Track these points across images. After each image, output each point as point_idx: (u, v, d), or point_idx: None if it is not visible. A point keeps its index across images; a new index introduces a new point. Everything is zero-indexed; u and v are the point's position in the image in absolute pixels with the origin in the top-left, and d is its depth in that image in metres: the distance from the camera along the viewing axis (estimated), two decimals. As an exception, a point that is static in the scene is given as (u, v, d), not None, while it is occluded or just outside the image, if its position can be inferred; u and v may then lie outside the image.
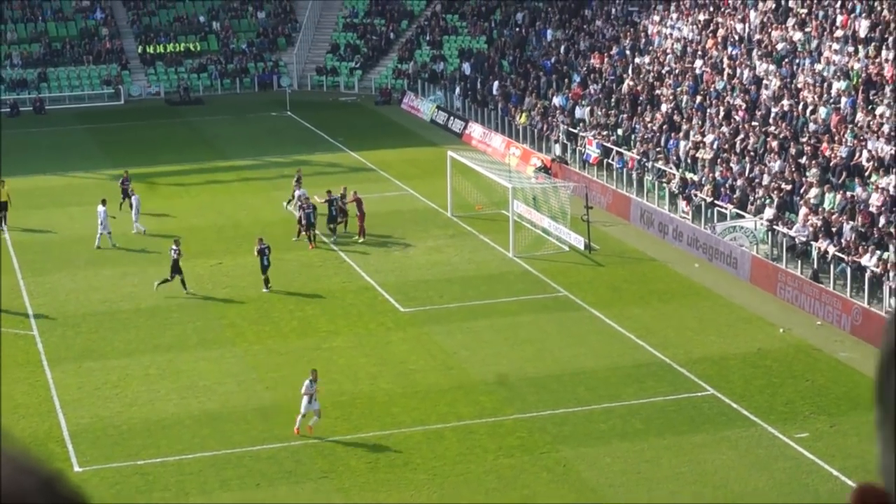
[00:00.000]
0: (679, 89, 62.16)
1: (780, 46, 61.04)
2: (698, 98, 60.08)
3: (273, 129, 75.33)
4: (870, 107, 52.40)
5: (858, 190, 47.00)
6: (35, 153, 69.19)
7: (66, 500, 1.97)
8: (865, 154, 49.06)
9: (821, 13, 61.61)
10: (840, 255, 43.74)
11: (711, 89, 60.56)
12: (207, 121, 78.05)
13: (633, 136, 59.98)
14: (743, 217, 49.07)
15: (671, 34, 69.16)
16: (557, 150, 62.94)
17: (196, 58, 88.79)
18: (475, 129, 70.71)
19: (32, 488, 1.94)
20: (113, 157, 67.85)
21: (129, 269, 49.19)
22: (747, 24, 64.85)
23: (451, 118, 74.32)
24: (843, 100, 53.70)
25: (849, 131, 51.01)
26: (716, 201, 50.64)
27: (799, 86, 56.91)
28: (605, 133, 61.37)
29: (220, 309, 45.16)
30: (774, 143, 52.29)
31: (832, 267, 43.63)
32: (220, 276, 48.46)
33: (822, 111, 53.58)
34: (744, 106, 57.14)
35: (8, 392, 37.56)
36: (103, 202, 51.47)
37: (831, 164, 49.47)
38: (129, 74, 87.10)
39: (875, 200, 45.83)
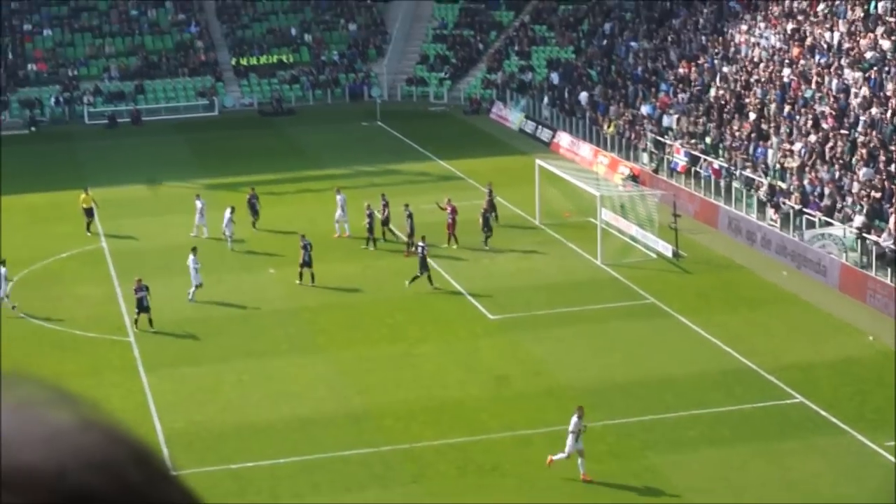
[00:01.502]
0: (767, 97, 62.07)
1: (868, 55, 60.77)
2: (786, 107, 59.96)
3: (364, 138, 76.05)
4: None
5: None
6: (132, 163, 70.39)
7: (159, 474, 1.96)
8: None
9: (911, 21, 61.29)
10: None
11: (799, 97, 60.42)
12: (300, 131, 78.94)
13: (720, 145, 59.97)
14: (832, 224, 48.98)
15: (759, 43, 69.03)
16: (645, 158, 63.06)
17: (288, 69, 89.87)
18: (563, 138, 71.00)
19: (126, 459, 1.93)
20: (207, 167, 68.92)
21: (223, 276, 49.97)
22: (835, 32, 64.61)
23: (539, 127, 74.67)
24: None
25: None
26: (804, 209, 50.58)
27: (888, 93, 56.66)
28: (692, 141, 61.41)
29: (312, 315, 45.81)
30: (863, 151, 52.13)
31: (922, 275, 43.49)
32: (313, 283, 49.03)
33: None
34: (832, 114, 56.98)
35: (105, 396, 38.32)
36: (232, 209, 53.28)
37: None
38: (224, 86, 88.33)
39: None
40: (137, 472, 1.92)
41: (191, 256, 47.41)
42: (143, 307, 44.24)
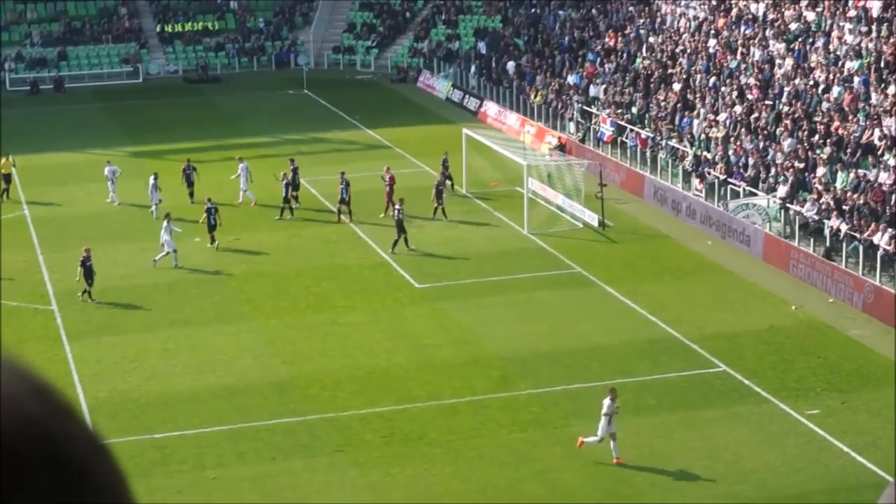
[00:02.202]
0: (692, 68, 62.38)
1: (792, 26, 61.20)
2: (711, 77, 60.29)
3: (290, 106, 75.72)
4: (882, 86, 52.59)
5: (871, 168, 47.22)
6: (54, 130, 69.70)
7: (58, 408, 2.00)
8: (878, 133, 49.28)
9: (835, -8, 61.77)
10: (852, 233, 44.00)
11: (724, 68, 60.76)
12: (225, 99, 78.46)
13: (646, 115, 60.23)
14: (756, 195, 49.34)
15: (685, 13, 69.33)
16: (572, 128, 63.21)
17: (214, 36, 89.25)
18: (490, 108, 71.03)
19: (25, 392, 1.98)
20: (131, 135, 68.39)
21: (147, 244, 49.57)
22: (760, 4, 65.00)
23: (467, 96, 74.64)
24: (856, 79, 53.88)
25: (861, 110, 51.23)
26: (729, 179, 50.92)
27: (812, 65, 57.10)
28: (619, 111, 61.63)
29: (237, 284, 45.63)
30: (787, 122, 52.53)
31: (845, 245, 43.90)
32: (238, 251, 48.86)
33: (835, 90, 53.78)
34: (757, 85, 57.35)
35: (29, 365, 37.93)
36: (155, 176, 52.75)
37: (843, 142, 49.70)
38: (148, 53, 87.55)
39: (887, 179, 46.06)
40: (36, 405, 1.97)
41: (164, 223, 47.15)
42: (91, 276, 43.81)
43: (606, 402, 31.92)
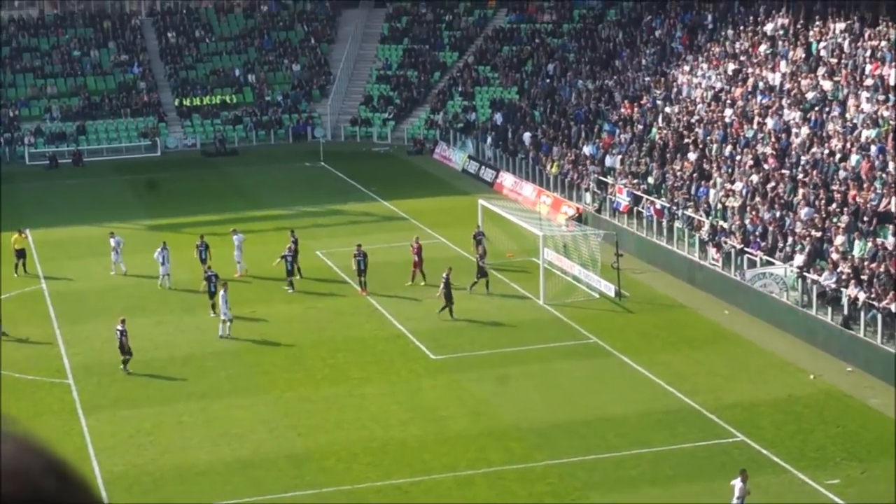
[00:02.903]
0: (709, 138, 62.44)
1: (809, 95, 61.28)
2: (728, 147, 60.33)
3: (307, 179, 75.97)
4: (899, 154, 52.54)
5: (890, 237, 47.08)
6: (73, 204, 69.96)
7: (72, 483, 2.04)
8: (895, 201, 49.15)
9: (850, 62, 61.90)
10: (871, 301, 43.78)
11: (741, 137, 60.80)
12: (242, 171, 78.73)
13: (663, 185, 60.22)
14: (773, 264, 49.20)
15: (701, 84, 69.51)
16: (588, 198, 63.23)
17: (231, 110, 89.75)
18: (506, 178, 71.14)
19: (39, 468, 2.02)
20: (149, 208, 68.60)
21: (164, 317, 49.69)
22: (777, 73, 65.16)
23: (483, 167, 74.80)
24: (873, 147, 53.86)
25: (878, 178, 51.17)
26: (745, 248, 50.80)
27: (828, 133, 57.11)
28: (635, 181, 61.66)
29: (253, 356, 45.55)
30: (804, 191, 52.46)
31: (863, 314, 43.68)
32: (254, 324, 48.85)
33: (853, 159, 53.75)
34: (773, 154, 57.35)
35: (43, 439, 37.85)
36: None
37: (860, 211, 49.58)
38: (166, 126, 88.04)
39: (905, 247, 45.90)
40: (50, 481, 2.03)
41: (221, 292, 47.50)
42: (124, 349, 43.85)
43: (738, 484, 31.22)
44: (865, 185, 51.22)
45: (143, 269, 55.37)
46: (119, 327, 44.15)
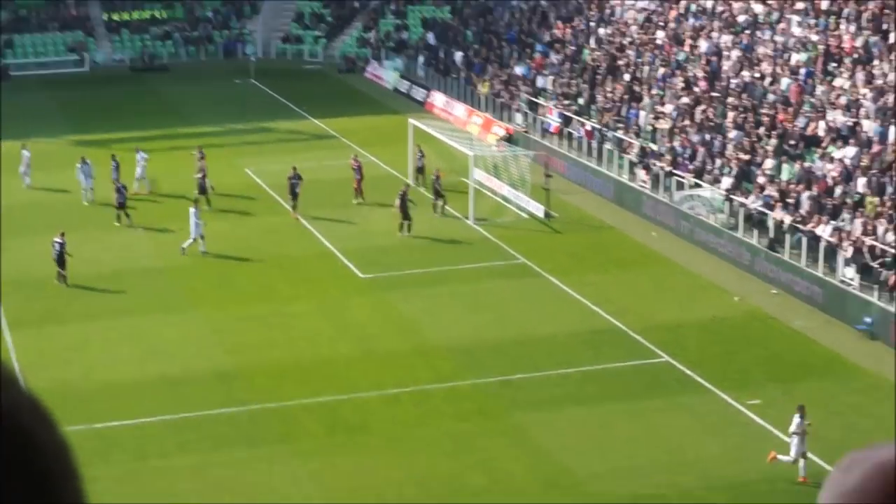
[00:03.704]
0: (640, 59, 62.54)
1: (740, 18, 61.45)
2: (659, 69, 60.44)
3: (237, 96, 75.41)
4: (828, 78, 52.89)
5: (817, 160, 47.46)
6: (-2, 119, 69.04)
7: (46, 420, 2.06)
8: (823, 125, 49.54)
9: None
10: (796, 224, 44.19)
11: (672, 60, 60.94)
12: (172, 88, 77.99)
13: (593, 106, 60.31)
14: (701, 186, 49.49)
15: (634, 5, 69.48)
16: (519, 119, 63.24)
17: (161, 25, 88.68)
18: (437, 98, 70.94)
19: (15, 403, 2.02)
20: (76, 124, 67.92)
21: (91, 233, 49.31)
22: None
23: (414, 87, 74.52)
24: (802, 71, 54.16)
25: (807, 102, 51.50)
26: (674, 170, 51.05)
27: (759, 57, 57.34)
28: (566, 102, 61.69)
29: (182, 274, 45.38)
30: (733, 114, 52.71)
31: (788, 237, 44.09)
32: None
33: (783, 82, 54.03)
34: (704, 77, 57.53)
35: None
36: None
37: (788, 134, 49.93)
38: (95, 41, 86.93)
39: (831, 171, 46.31)
40: (27, 417, 2.03)
41: (192, 209, 47.18)
42: (62, 261, 43.71)
43: (795, 419, 30.94)
44: (793, 109, 51.54)
45: (68, 185, 54.84)
46: (58, 240, 43.86)
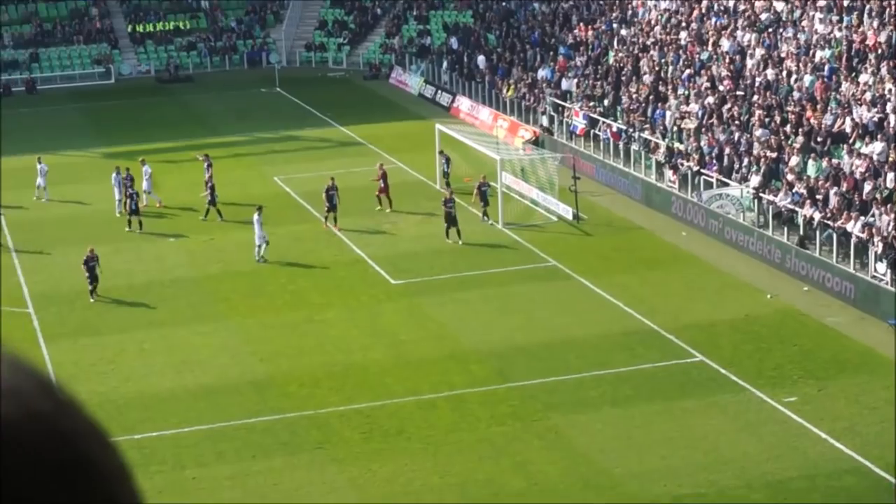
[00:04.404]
0: (664, 60, 62.54)
1: (763, 16, 61.42)
2: (683, 69, 60.43)
3: (263, 105, 75.68)
4: (853, 74, 52.83)
5: (844, 157, 47.43)
6: (27, 133, 69.41)
7: (65, 403, 2.04)
8: (849, 121, 49.50)
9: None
10: (826, 221, 44.18)
11: (696, 59, 60.93)
12: (197, 98, 78.32)
13: (619, 107, 60.35)
14: (728, 185, 49.50)
15: (656, 5, 69.48)
16: (545, 121, 63.30)
17: (185, 36, 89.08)
18: (463, 103, 71.06)
19: (32, 388, 2.00)
20: (104, 136, 68.27)
21: (122, 245, 49.61)
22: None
23: (439, 92, 74.67)
24: (826, 68, 54.10)
25: (833, 99, 51.45)
26: (702, 170, 51.07)
27: (782, 55, 57.31)
28: (591, 104, 61.73)
29: (214, 284, 45.59)
30: (759, 112, 52.70)
31: (818, 233, 44.09)
32: (213, 251, 48.90)
33: (807, 79, 53.99)
34: (728, 75, 57.52)
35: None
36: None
37: (815, 132, 49.89)
38: (120, 53, 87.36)
39: (859, 167, 46.26)
40: (44, 401, 1.98)
41: (255, 215, 47.28)
42: (94, 276, 43.77)
43: None
44: (819, 106, 51.50)
45: (99, 198, 55.13)
46: (89, 255, 43.93)
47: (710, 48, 61.41)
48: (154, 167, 56.01)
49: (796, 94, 53.36)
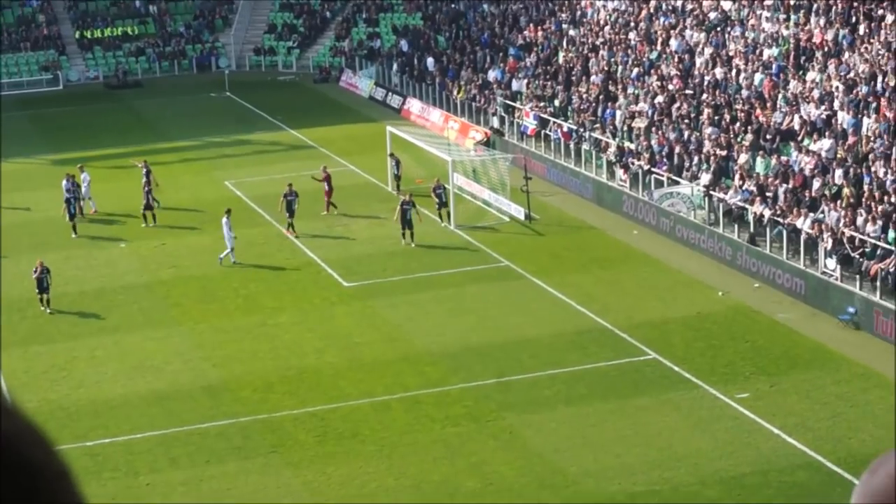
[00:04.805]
0: (613, 59, 62.74)
1: (711, 16, 61.72)
2: (635, 69, 60.63)
3: (213, 109, 75.43)
4: (801, 72, 53.15)
5: (793, 154, 47.70)
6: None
7: (4, 408, 2.06)
8: (797, 119, 49.79)
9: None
10: (776, 218, 44.42)
11: (645, 59, 61.16)
12: (147, 103, 77.96)
13: (569, 107, 60.49)
14: (679, 183, 49.70)
15: (605, 5, 69.70)
16: (495, 122, 63.39)
17: (134, 41, 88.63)
18: (413, 105, 71.06)
19: (25, 436, 2.05)
20: (53, 143, 67.86)
21: (72, 252, 49.33)
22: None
23: (390, 94, 74.63)
24: (774, 66, 54.41)
25: (781, 97, 51.75)
26: (652, 168, 51.25)
27: (731, 53, 57.61)
28: (541, 105, 61.86)
29: (165, 289, 45.39)
30: (709, 111, 52.94)
31: (768, 230, 44.32)
32: (164, 256, 48.69)
33: (756, 78, 54.28)
34: (678, 74, 57.77)
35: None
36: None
37: (764, 129, 50.17)
38: (68, 60, 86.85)
39: (808, 164, 46.54)
40: (37, 451, 2.04)
41: (224, 219, 47.05)
42: (42, 287, 43.32)
43: None
44: (768, 104, 51.80)
45: (49, 204, 54.79)
46: (38, 268, 43.42)
47: (658, 47, 61.65)
48: (104, 173, 55.70)
49: (745, 93, 53.64)
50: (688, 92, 55.86)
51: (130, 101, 78.89)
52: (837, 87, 50.41)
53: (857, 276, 40.31)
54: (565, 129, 58.13)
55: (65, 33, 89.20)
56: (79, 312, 43.41)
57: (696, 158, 50.46)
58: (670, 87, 57.16)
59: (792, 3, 58.57)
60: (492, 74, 68.28)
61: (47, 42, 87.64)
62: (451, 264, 46.47)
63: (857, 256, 40.75)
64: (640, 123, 55.25)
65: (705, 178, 48.77)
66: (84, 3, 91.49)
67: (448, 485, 30.93)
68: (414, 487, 30.90)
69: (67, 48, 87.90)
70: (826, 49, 53.87)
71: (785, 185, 45.68)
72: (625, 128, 55.97)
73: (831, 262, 41.32)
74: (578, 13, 71.02)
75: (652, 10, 65.71)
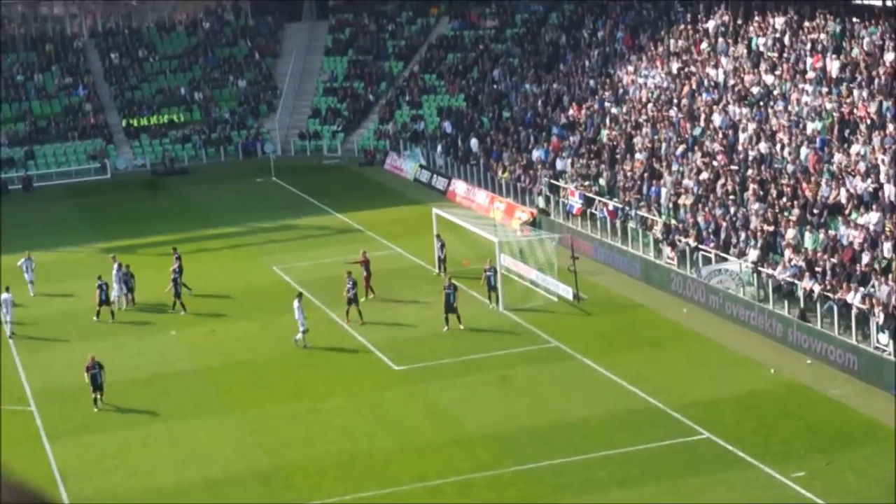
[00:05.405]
0: (657, 137, 62.88)
1: (753, 90, 61.84)
2: (679, 146, 60.71)
3: (259, 195, 75.92)
4: (845, 145, 53.11)
5: (841, 228, 47.55)
6: (25, 230, 69.55)
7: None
8: (844, 192, 49.69)
9: (791, 56, 62.51)
10: (826, 293, 44.22)
11: (688, 135, 61.25)
12: (193, 190, 78.59)
13: (614, 186, 60.58)
14: (727, 260, 49.59)
15: (646, 83, 69.95)
16: (541, 202, 63.52)
17: (179, 129, 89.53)
18: (459, 186, 71.34)
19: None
20: (102, 231, 68.41)
21: (123, 340, 49.58)
22: (720, 70, 65.74)
23: (435, 176, 74.98)
24: (819, 139, 54.39)
25: (826, 170, 51.69)
26: (700, 245, 51.18)
27: (774, 128, 57.63)
28: (586, 184, 61.97)
29: (216, 376, 45.51)
30: (754, 186, 52.89)
31: (819, 306, 44.11)
32: (214, 343, 48.86)
33: (801, 152, 54.25)
34: (722, 150, 57.81)
35: (8, 469, 37.67)
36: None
37: (810, 203, 50.05)
38: (115, 148, 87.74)
39: (856, 238, 46.37)
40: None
41: (295, 302, 47.34)
42: (96, 385, 43.20)
43: None
44: (813, 178, 51.73)
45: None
46: (90, 363, 43.33)
47: (702, 123, 61.75)
48: (151, 260, 56.07)
49: (790, 167, 53.60)
50: (733, 167, 55.87)
51: (177, 188, 79.54)
52: (882, 160, 50.32)
53: (910, 351, 40.01)
54: (611, 208, 58.19)
55: (111, 121, 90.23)
56: (131, 400, 43.53)
57: (742, 234, 50.37)
58: (714, 162, 57.18)
59: (834, 76, 58.61)
60: (536, 154, 68.53)
61: (94, 131, 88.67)
62: (501, 346, 46.42)
63: (909, 331, 40.46)
64: (685, 200, 55.25)
65: (753, 254, 48.65)
66: (130, 91, 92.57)
67: (503, 570, 30.71)
68: (469, 573, 30.69)
69: (114, 136, 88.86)
70: (870, 121, 53.83)
71: (833, 260, 45.50)
72: (670, 205, 55.97)
73: (884, 337, 41.05)
74: (620, 91, 71.31)
75: (694, 87, 65.90)
